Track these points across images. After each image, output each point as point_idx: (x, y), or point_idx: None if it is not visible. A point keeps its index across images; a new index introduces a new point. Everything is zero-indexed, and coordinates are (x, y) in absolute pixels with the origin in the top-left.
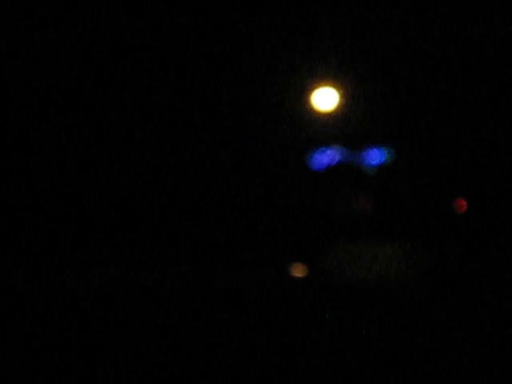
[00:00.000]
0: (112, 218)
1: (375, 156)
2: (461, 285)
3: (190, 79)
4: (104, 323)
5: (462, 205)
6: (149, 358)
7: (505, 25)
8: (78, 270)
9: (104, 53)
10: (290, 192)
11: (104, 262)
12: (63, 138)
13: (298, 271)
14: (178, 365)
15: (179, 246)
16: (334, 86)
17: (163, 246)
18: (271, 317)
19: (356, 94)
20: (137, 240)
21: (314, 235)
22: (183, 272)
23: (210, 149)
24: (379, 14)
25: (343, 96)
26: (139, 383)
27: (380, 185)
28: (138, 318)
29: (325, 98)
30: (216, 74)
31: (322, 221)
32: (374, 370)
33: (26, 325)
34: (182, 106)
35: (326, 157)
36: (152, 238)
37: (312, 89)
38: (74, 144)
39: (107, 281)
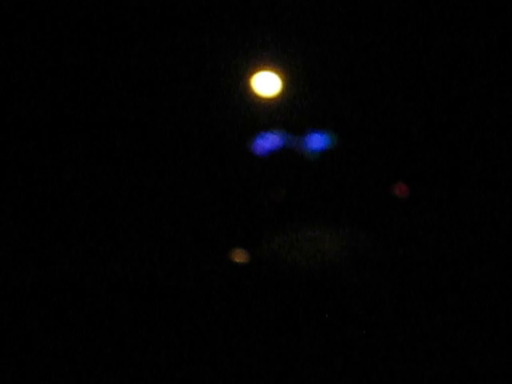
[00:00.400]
0: None
1: (318, 141)
2: (403, 271)
3: (126, 63)
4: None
5: (402, 190)
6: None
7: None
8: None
9: None
10: (231, 177)
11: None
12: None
13: (239, 257)
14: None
15: (117, 234)
16: (276, 71)
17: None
18: (213, 304)
19: (298, 78)
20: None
21: (256, 221)
22: (121, 261)
23: (147, 133)
24: None
25: (285, 81)
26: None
27: (323, 170)
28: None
29: (266, 83)
30: (154, 57)
31: (263, 206)
32: (315, 360)
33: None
34: (118, 89)
35: (268, 142)
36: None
37: (253, 73)
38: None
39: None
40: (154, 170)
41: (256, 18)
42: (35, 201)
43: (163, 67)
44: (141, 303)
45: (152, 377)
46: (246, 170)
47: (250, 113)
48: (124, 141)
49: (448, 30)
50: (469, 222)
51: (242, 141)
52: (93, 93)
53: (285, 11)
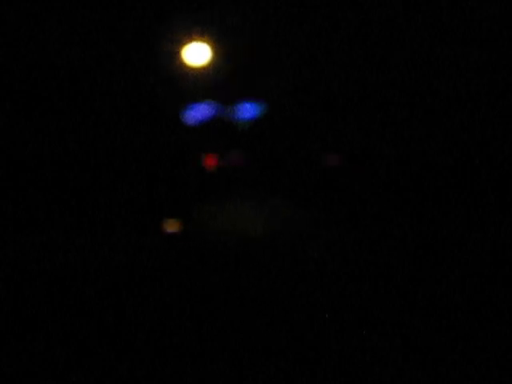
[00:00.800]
0: None
1: (248, 110)
2: (330, 242)
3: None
4: None
5: (333, 159)
6: None
7: None
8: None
9: None
10: (162, 147)
11: None
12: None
13: (172, 227)
14: None
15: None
16: (206, 41)
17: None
18: (149, 275)
19: (228, 48)
20: None
21: (188, 190)
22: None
23: (76, 104)
24: None
25: (215, 50)
26: None
27: (253, 139)
28: None
29: (196, 53)
30: (82, 27)
31: (195, 176)
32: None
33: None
34: (40, 63)
35: (199, 112)
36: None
37: (183, 43)
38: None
39: None
40: (86, 142)
41: None
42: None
43: (93, 40)
44: (75, 277)
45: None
46: (178, 139)
47: (181, 83)
48: (53, 115)
49: None
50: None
51: (174, 111)
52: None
53: None
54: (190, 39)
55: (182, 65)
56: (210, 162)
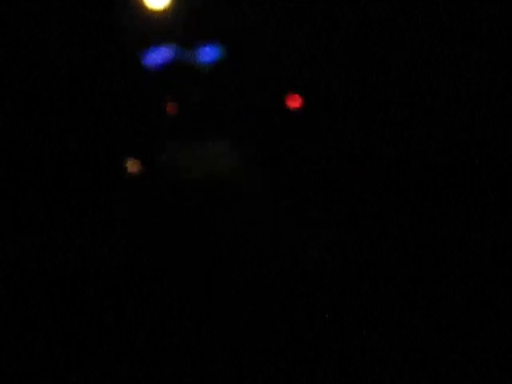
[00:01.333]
0: None
1: (208, 53)
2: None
3: None
4: None
5: (295, 100)
6: None
7: None
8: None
9: None
10: (123, 92)
11: None
12: None
13: (134, 167)
14: None
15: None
16: None
17: None
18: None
19: None
20: None
21: (150, 133)
22: None
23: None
24: None
25: None
26: None
27: (213, 82)
28: None
29: None
30: None
31: (156, 119)
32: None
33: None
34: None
35: (159, 55)
36: None
37: None
38: None
39: None
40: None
41: None
42: None
43: None
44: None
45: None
46: (138, 84)
47: (140, 26)
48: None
49: None
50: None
51: (134, 55)
52: None
53: None
54: None
55: (141, 8)
56: (171, 107)
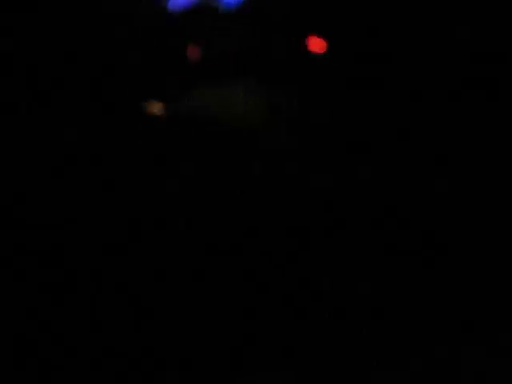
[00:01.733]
0: None
1: None
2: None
3: None
4: None
5: (320, 45)
6: None
7: None
8: None
9: None
10: (146, 36)
11: None
12: None
13: (155, 109)
14: None
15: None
16: None
17: None
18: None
19: None
20: None
21: (174, 75)
22: None
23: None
24: None
25: None
26: None
27: (237, 26)
28: None
29: None
30: None
31: (180, 62)
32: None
33: None
34: None
35: None
36: None
37: None
38: None
39: None
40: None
41: None
42: None
43: None
44: None
45: None
46: (161, 26)
47: None
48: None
49: None
50: None
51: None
52: None
53: None
54: None
55: None
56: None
